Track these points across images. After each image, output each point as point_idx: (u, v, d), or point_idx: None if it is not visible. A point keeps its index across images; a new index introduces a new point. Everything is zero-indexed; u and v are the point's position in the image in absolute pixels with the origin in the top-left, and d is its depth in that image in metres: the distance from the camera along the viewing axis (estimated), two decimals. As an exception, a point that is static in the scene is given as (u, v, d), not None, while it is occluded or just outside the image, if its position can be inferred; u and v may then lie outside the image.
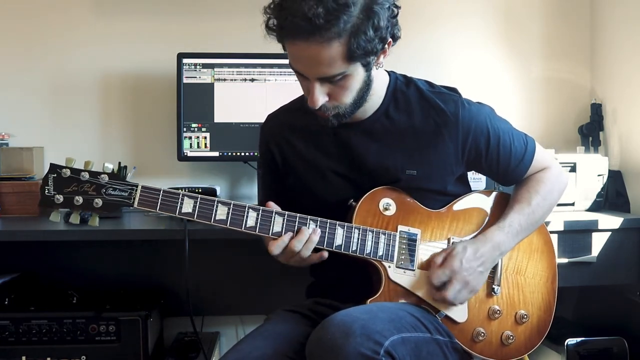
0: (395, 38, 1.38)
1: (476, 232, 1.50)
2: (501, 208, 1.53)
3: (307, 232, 1.36)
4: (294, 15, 1.24)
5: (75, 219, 1.34)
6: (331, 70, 1.30)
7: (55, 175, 1.31)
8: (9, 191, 2.10)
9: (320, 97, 1.34)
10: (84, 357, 1.91)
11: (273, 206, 1.39)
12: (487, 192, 1.58)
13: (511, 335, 1.48)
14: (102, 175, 1.32)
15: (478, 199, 1.55)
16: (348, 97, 1.36)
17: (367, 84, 1.38)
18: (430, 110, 1.47)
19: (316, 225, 1.38)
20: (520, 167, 1.53)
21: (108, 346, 1.91)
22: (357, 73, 1.33)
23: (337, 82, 1.33)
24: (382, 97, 1.47)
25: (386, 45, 1.35)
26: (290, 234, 1.36)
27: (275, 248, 1.36)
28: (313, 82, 1.33)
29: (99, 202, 1.31)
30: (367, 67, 1.34)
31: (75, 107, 2.36)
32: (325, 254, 1.39)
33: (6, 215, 2.09)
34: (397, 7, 1.36)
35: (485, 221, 1.52)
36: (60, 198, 1.31)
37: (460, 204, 1.52)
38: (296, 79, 1.39)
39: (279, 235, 1.36)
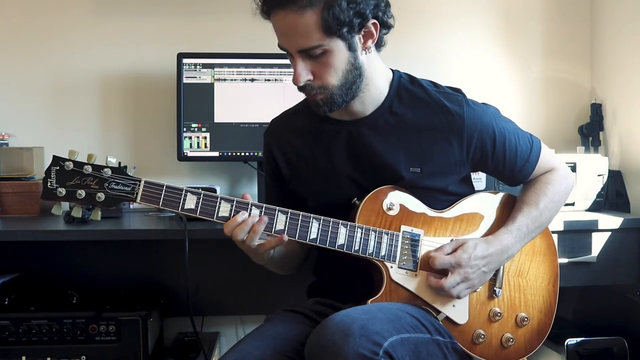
0: (384, 23, 1.39)
1: (480, 235, 1.49)
2: (507, 211, 1.53)
3: (249, 221, 1.33)
4: None
5: (77, 212, 1.33)
6: (308, 41, 1.31)
7: (57, 167, 1.29)
8: (9, 191, 2.10)
9: (303, 73, 1.35)
10: (84, 357, 1.91)
11: None
12: (492, 192, 1.57)
13: (511, 338, 1.48)
14: (105, 169, 1.30)
15: (483, 200, 1.54)
16: (333, 77, 1.36)
17: (355, 67, 1.37)
18: (435, 109, 1.46)
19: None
20: (526, 167, 1.53)
21: (108, 346, 1.91)
22: (338, 50, 1.34)
23: (318, 58, 1.34)
24: (386, 93, 1.47)
25: (370, 25, 1.36)
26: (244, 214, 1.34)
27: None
28: (295, 57, 1.35)
29: (101, 196, 1.30)
30: (348, 44, 1.34)
31: (75, 107, 2.36)
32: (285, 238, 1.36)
33: (6, 215, 2.09)
34: None
35: (490, 224, 1.51)
36: (62, 191, 1.29)
37: (465, 205, 1.51)
38: None
39: (280, 233, 1.36)
